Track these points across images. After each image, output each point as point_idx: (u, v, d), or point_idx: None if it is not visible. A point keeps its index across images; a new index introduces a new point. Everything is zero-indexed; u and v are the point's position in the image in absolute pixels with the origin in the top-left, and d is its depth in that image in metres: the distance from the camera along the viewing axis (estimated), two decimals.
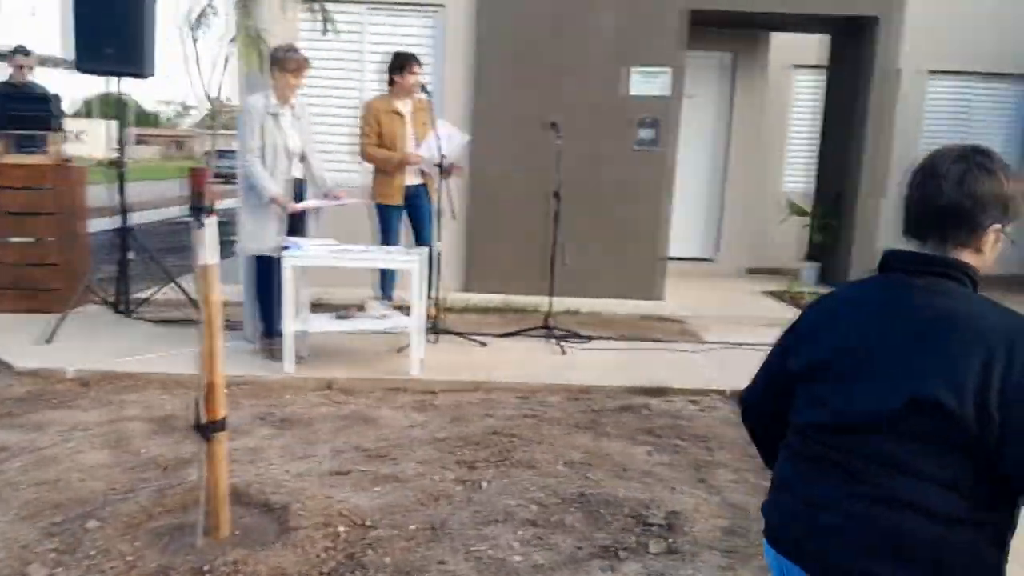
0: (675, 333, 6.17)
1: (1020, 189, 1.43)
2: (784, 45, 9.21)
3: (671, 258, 7.50)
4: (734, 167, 8.84)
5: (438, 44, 7.14)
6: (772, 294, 7.75)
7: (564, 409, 4.46)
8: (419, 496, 3.34)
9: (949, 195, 1.40)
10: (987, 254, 1.45)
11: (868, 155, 7.82)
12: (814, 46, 9.12)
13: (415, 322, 4.77)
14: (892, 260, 1.49)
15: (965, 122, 9.94)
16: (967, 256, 1.44)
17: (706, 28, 7.90)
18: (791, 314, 6.84)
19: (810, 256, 8.64)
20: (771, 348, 1.68)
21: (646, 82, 7.14)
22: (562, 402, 4.57)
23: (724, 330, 6.31)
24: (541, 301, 6.57)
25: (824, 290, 8.00)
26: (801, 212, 8.66)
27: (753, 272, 9.10)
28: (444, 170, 5.41)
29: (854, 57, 8.16)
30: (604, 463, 3.74)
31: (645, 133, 7.20)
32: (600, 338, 5.85)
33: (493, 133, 7.05)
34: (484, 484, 3.47)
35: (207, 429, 2.80)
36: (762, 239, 9.49)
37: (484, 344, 5.54)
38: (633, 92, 7.11)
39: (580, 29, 6.97)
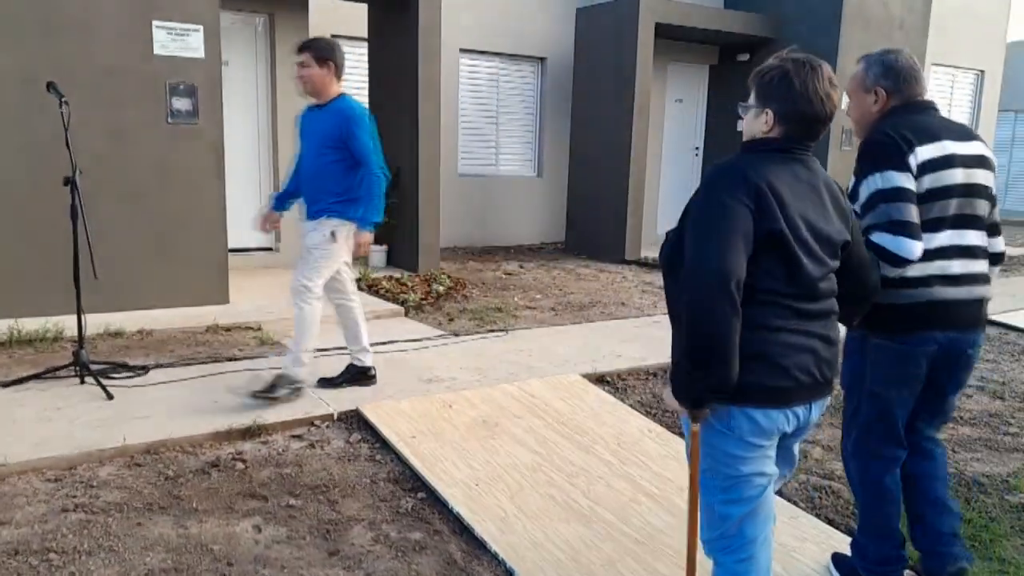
0: (253, 345, 5.13)
1: None
2: (324, 11, 8.58)
3: (229, 250, 6.39)
4: (285, 145, 7.95)
5: None
6: None
7: (125, 485, 3.20)
8: None
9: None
10: None
11: (423, 131, 7.69)
12: (355, 17, 8.67)
13: None
14: (800, 149, 1.98)
15: (494, 95, 10.67)
16: None
17: None
18: (377, 305, 6.30)
19: (377, 239, 8.25)
20: (720, 219, 1.82)
21: (174, 40, 5.86)
22: (120, 474, 3.29)
23: None
24: (65, 324, 4.96)
25: (395, 273, 7.73)
26: None
27: None
28: None
29: (397, 32, 7.91)
30: (198, 561, 2.69)
31: (180, 103, 5.94)
32: (159, 366, 4.53)
33: None
34: None
35: None
36: None
37: None
38: (159, 52, 5.78)
39: None
